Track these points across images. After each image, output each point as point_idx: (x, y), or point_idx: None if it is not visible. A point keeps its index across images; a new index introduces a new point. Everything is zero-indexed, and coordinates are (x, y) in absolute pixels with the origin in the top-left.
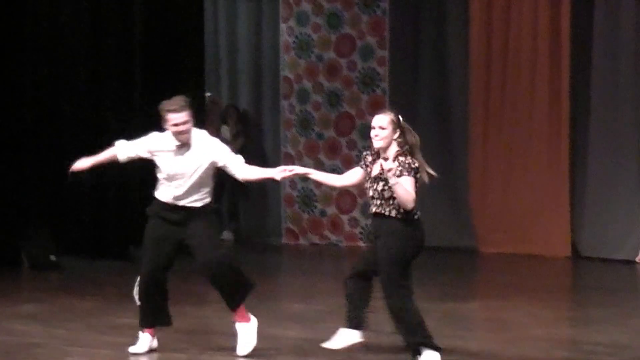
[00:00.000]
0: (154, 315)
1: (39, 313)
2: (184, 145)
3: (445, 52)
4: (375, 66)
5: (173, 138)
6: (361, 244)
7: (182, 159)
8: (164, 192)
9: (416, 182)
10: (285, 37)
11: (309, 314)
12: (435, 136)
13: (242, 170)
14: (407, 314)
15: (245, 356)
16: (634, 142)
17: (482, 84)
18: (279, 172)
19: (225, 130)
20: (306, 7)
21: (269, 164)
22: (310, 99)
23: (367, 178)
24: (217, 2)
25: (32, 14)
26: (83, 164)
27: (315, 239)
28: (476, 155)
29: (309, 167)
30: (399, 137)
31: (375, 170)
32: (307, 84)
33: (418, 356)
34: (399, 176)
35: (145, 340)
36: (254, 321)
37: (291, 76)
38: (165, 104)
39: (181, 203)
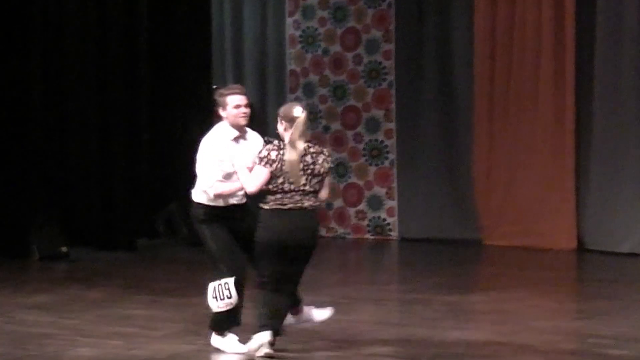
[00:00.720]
0: (236, 315)
1: (48, 303)
2: (241, 134)
3: (450, 45)
4: (381, 59)
5: (229, 129)
6: (368, 236)
7: (242, 149)
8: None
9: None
10: (291, 31)
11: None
12: (440, 129)
13: None
14: None
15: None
16: (639, 135)
17: (487, 76)
18: None
19: None
20: (312, 0)
21: None
22: (316, 93)
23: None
24: None
25: (39, 9)
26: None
27: (323, 232)
28: (481, 148)
29: None
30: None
31: None
32: (314, 78)
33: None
34: None
35: (235, 340)
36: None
37: (297, 70)
38: (223, 90)
39: (235, 201)
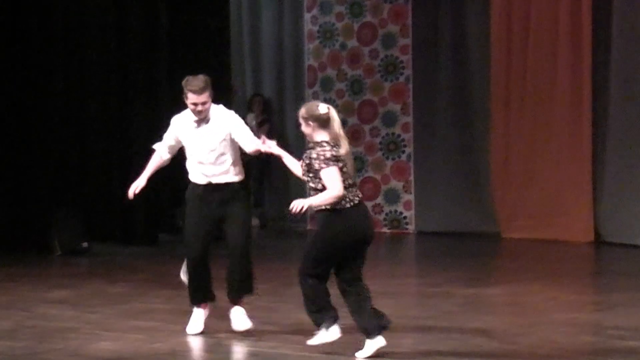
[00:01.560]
0: (203, 293)
1: (70, 298)
2: (202, 120)
3: (467, 39)
4: (397, 54)
5: (192, 114)
6: (385, 230)
7: (202, 132)
8: (195, 173)
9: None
10: (309, 26)
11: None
12: (457, 123)
13: (250, 143)
14: None
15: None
16: None
17: (504, 70)
18: (260, 144)
19: (250, 118)
20: None
21: (293, 152)
22: (333, 87)
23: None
24: None
25: (60, 9)
26: (139, 183)
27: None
28: (498, 141)
29: None
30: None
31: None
32: (331, 72)
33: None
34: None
35: (200, 315)
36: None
37: (315, 64)
38: (187, 82)
39: (214, 180)
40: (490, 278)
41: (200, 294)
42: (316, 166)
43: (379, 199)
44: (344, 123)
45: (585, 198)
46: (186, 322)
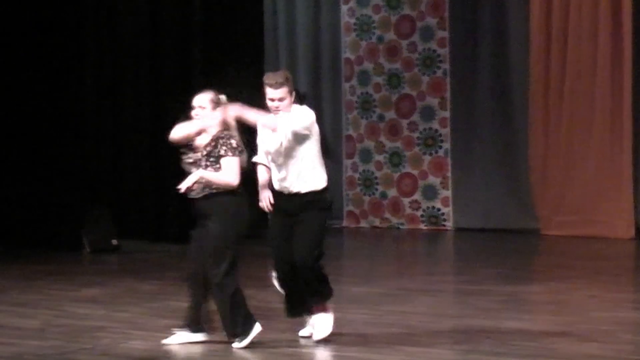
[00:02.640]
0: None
1: (100, 296)
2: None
3: (506, 32)
4: (435, 47)
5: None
6: (422, 226)
7: (274, 134)
8: (273, 179)
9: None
10: (346, 19)
11: (369, 296)
12: (496, 118)
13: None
14: None
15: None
16: None
17: (543, 65)
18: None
19: None
20: None
21: (330, 146)
22: (371, 81)
23: None
24: None
25: (93, 6)
26: (267, 194)
27: (376, 222)
28: (537, 137)
29: (370, 148)
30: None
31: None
32: (368, 66)
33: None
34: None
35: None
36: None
37: (352, 57)
38: (265, 76)
39: (287, 188)
40: (530, 275)
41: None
42: (222, 152)
43: (417, 195)
44: (381, 117)
45: (625, 194)
46: (216, 321)
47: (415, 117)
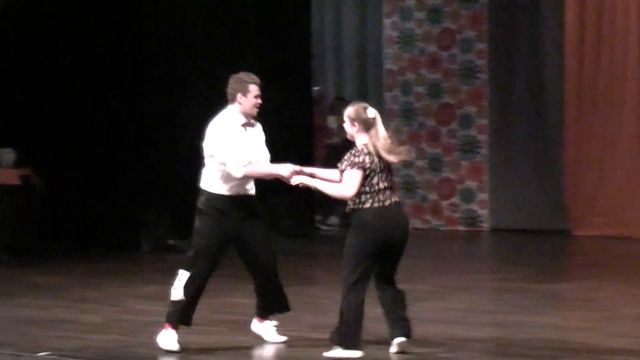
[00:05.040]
0: (186, 314)
1: (159, 293)
2: (249, 122)
3: (541, 43)
4: (474, 58)
5: (238, 116)
6: (461, 227)
7: (250, 135)
8: (227, 183)
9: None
10: (388, 32)
11: (411, 294)
12: (531, 123)
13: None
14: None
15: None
16: None
17: (577, 73)
18: (288, 171)
19: (332, 121)
20: (409, 3)
21: None
22: (412, 91)
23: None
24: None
25: (151, 12)
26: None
27: (418, 224)
28: (571, 141)
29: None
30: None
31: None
32: (410, 76)
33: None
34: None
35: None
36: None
37: (395, 69)
38: (246, 75)
39: (247, 192)
40: (562, 274)
41: (184, 314)
42: (342, 166)
43: (455, 198)
44: (421, 125)
45: None
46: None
47: (455, 124)
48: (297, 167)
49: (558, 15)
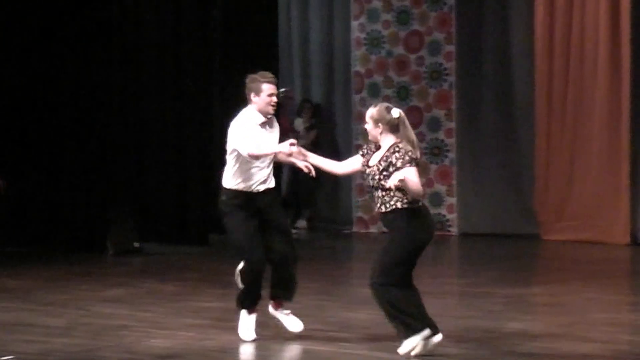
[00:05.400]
0: (257, 297)
1: (124, 297)
2: (267, 121)
3: (510, 46)
4: (442, 61)
5: (256, 114)
6: None
7: (268, 134)
8: (246, 179)
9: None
10: (356, 34)
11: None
12: (500, 128)
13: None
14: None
15: (320, 338)
16: None
17: (546, 77)
18: (288, 145)
19: (299, 123)
20: (376, 4)
21: (341, 156)
22: (380, 93)
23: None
24: (290, 1)
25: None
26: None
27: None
28: (540, 145)
29: None
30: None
31: (374, 160)
32: (378, 79)
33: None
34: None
35: (252, 321)
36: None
37: (362, 71)
38: (261, 74)
39: (263, 187)
40: (531, 278)
41: (252, 299)
42: (399, 164)
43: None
44: None
45: (623, 202)
46: (236, 320)
47: (423, 128)
48: (296, 145)
49: (527, 18)
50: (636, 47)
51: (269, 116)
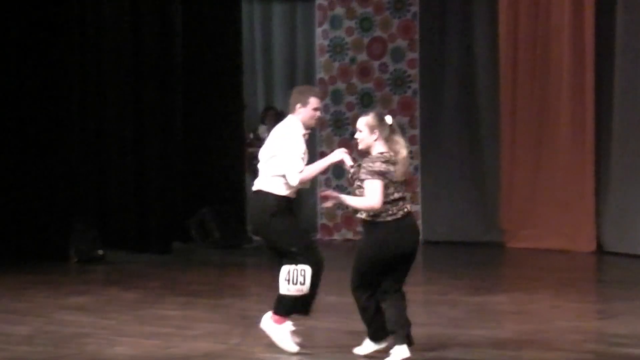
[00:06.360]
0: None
1: (87, 304)
2: (307, 134)
3: (474, 53)
4: (405, 68)
5: (299, 125)
6: None
7: (305, 147)
8: (290, 186)
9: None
10: (320, 41)
11: (342, 305)
12: (463, 136)
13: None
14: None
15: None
16: None
17: (510, 84)
18: (340, 154)
19: (263, 130)
20: (340, 11)
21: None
22: (344, 100)
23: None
24: (253, 7)
25: (77, 19)
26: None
27: (349, 235)
28: (505, 154)
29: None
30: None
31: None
32: (341, 85)
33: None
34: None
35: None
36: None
37: (326, 78)
38: (310, 87)
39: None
40: (496, 286)
41: (302, 304)
42: (362, 176)
43: None
44: (353, 135)
45: (587, 209)
46: (199, 328)
47: None
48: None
49: (491, 25)
50: (599, 56)
51: (309, 130)
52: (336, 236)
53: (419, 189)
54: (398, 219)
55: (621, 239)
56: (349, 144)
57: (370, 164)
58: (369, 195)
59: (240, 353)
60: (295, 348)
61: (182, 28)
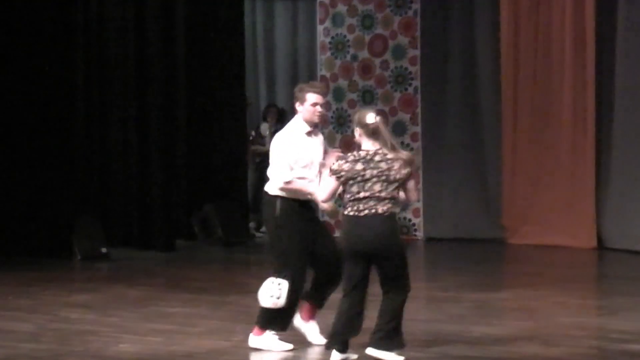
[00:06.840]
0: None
1: (91, 302)
2: (313, 130)
3: (475, 50)
4: (407, 65)
5: (302, 123)
6: None
7: (313, 143)
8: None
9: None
10: (322, 38)
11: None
12: (465, 133)
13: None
14: None
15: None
16: None
17: (512, 81)
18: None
19: (264, 127)
20: (341, 9)
21: None
22: (345, 97)
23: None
24: (255, 5)
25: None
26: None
27: None
28: (507, 150)
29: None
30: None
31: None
32: (343, 83)
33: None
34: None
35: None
36: None
37: (328, 75)
38: (309, 84)
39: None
40: (498, 283)
41: (281, 319)
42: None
43: None
44: (354, 132)
45: (588, 206)
46: (203, 325)
47: None
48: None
49: (492, 21)
50: (601, 53)
51: (316, 125)
52: (337, 233)
53: (420, 186)
54: (359, 216)
55: (622, 235)
56: (350, 141)
57: (335, 162)
58: (320, 189)
59: (244, 350)
60: (289, 346)
61: (185, 26)
